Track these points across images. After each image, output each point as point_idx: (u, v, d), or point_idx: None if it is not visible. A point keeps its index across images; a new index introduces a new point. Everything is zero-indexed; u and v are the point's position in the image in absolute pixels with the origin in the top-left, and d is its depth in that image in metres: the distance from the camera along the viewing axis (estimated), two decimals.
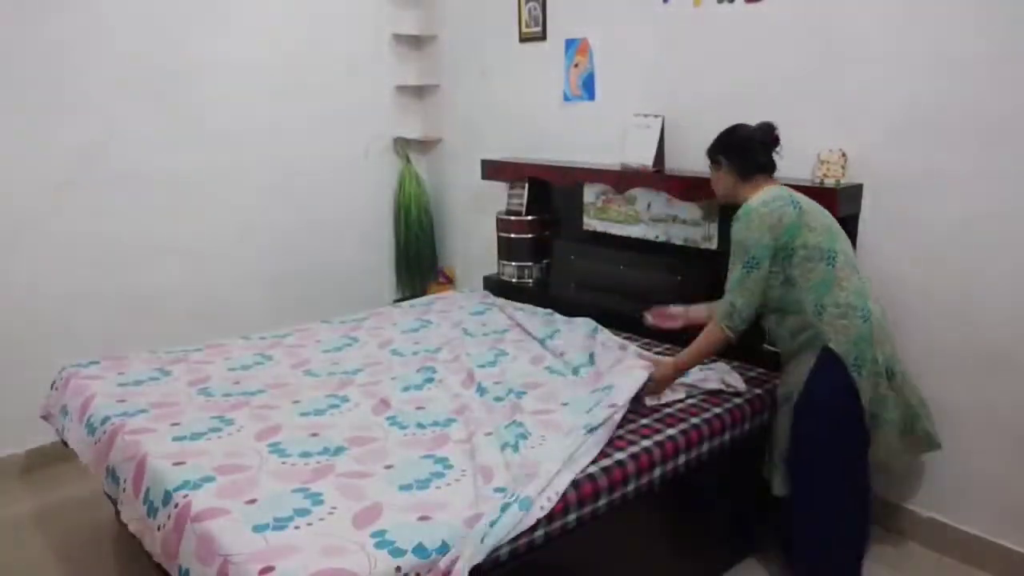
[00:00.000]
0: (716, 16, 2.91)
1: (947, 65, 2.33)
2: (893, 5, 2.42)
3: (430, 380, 2.58)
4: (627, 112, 3.24)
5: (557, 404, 2.36)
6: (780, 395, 2.33)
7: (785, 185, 2.30)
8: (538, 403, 2.36)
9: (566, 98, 3.62)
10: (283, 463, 1.96)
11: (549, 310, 3.34)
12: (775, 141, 2.31)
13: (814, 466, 2.19)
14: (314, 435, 2.13)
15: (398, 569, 1.53)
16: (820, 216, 2.22)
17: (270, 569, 1.50)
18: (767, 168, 2.31)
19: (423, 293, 4.40)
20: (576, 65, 3.54)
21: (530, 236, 3.70)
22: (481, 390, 2.47)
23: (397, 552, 1.56)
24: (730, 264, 2.24)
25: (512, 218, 3.71)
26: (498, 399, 2.39)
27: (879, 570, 2.46)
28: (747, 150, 2.29)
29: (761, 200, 2.20)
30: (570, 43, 3.55)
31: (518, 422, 2.19)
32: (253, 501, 1.76)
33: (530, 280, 3.74)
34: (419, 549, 1.58)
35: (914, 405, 2.25)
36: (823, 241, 2.16)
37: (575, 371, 2.62)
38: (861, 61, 2.52)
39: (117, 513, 2.76)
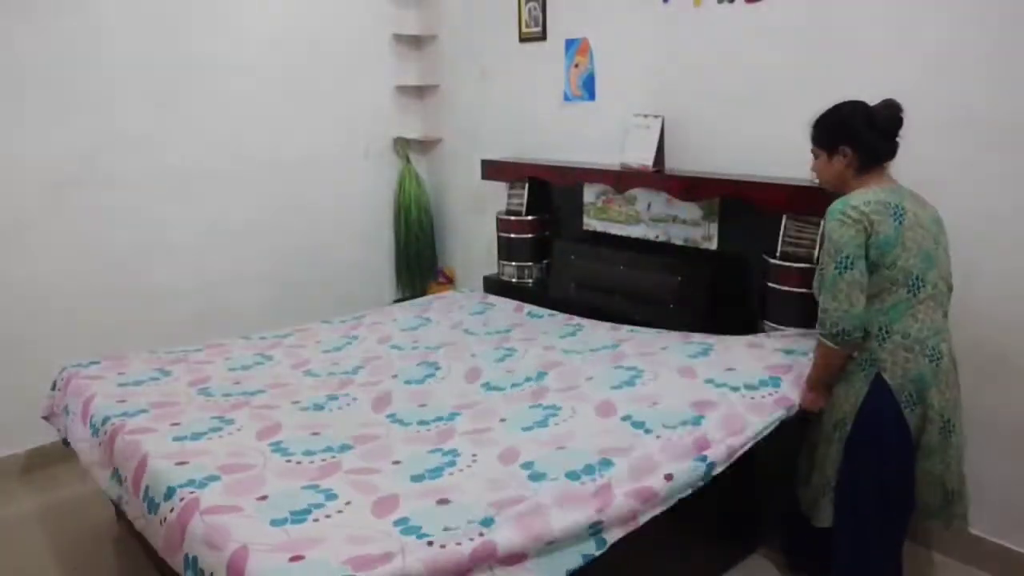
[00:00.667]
0: (716, 16, 2.91)
1: (947, 65, 2.33)
2: (892, 5, 2.42)
3: (431, 375, 2.57)
4: (627, 112, 3.24)
5: (582, 379, 2.38)
6: (825, 419, 2.14)
7: (896, 183, 2.07)
8: (560, 381, 2.39)
9: (566, 98, 3.62)
10: (287, 461, 1.96)
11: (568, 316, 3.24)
12: (900, 124, 2.02)
13: (867, 503, 2.05)
14: (315, 434, 2.13)
15: (431, 543, 1.54)
16: (923, 234, 1.97)
17: (300, 558, 1.50)
18: (886, 157, 2.05)
19: (423, 293, 4.40)
20: (576, 65, 3.54)
21: (530, 236, 3.70)
22: (489, 386, 2.46)
23: (425, 535, 1.57)
24: (823, 265, 2.02)
25: (512, 218, 3.71)
26: (515, 385, 2.40)
27: None
28: (872, 139, 2.02)
29: (863, 199, 1.97)
30: (570, 43, 3.55)
31: (544, 405, 2.22)
32: (264, 498, 1.75)
33: (530, 280, 3.74)
34: (448, 529, 1.59)
35: (950, 488, 2.06)
36: (914, 265, 1.95)
37: (593, 351, 2.63)
38: (861, 61, 2.52)
39: (117, 513, 2.78)
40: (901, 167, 2.45)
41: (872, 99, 2.49)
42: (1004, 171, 2.26)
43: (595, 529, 1.72)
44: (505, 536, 1.60)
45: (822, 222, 2.12)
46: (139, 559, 2.51)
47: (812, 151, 2.14)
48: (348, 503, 1.74)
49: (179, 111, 3.54)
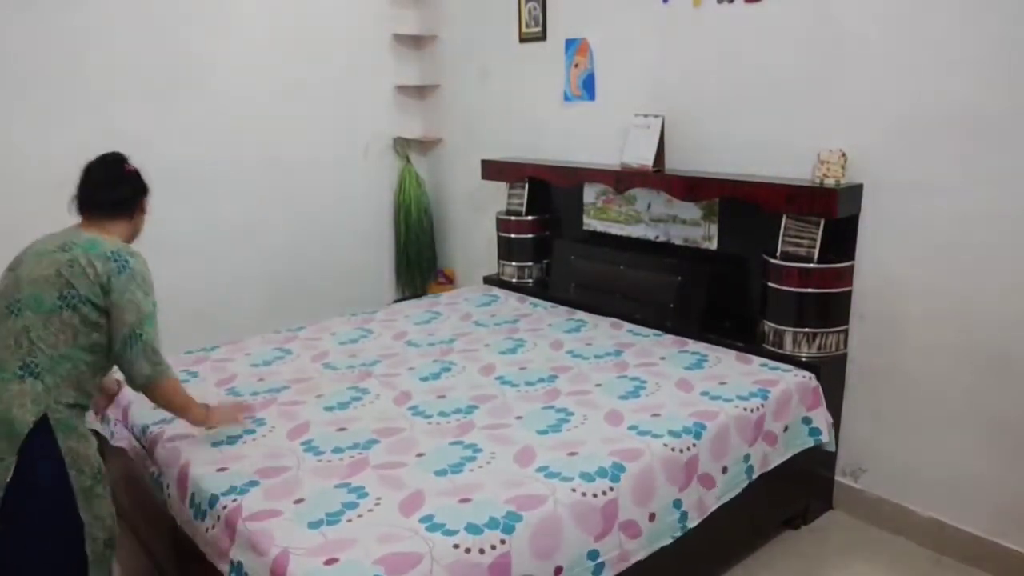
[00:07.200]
0: (716, 16, 2.91)
1: (947, 65, 2.33)
2: (893, 5, 2.42)
3: (447, 369, 2.64)
4: (627, 112, 3.24)
5: (591, 385, 2.45)
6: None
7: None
8: (571, 385, 2.46)
9: (566, 98, 3.62)
10: (319, 460, 2.02)
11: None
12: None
13: None
14: (342, 430, 2.19)
15: (456, 546, 1.61)
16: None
17: (334, 560, 1.57)
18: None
19: (423, 293, 4.40)
20: (576, 65, 3.54)
21: (530, 236, 3.71)
22: (503, 379, 2.53)
23: (449, 532, 1.65)
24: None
25: (512, 218, 3.72)
26: (529, 384, 2.48)
27: (878, 570, 2.47)
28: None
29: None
30: (570, 43, 3.55)
31: (557, 407, 2.28)
32: (301, 500, 1.81)
33: (530, 280, 3.74)
34: (471, 527, 1.67)
35: None
36: None
37: (598, 357, 2.71)
38: (861, 61, 2.52)
39: (118, 513, 2.77)
40: (904, 166, 2.46)
41: (873, 98, 2.51)
42: (1004, 171, 2.26)
43: (593, 556, 1.82)
44: (521, 554, 1.67)
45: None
46: (139, 559, 2.51)
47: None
48: (378, 501, 1.80)
49: (179, 111, 3.54)
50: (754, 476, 2.27)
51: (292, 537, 1.66)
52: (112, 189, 2.02)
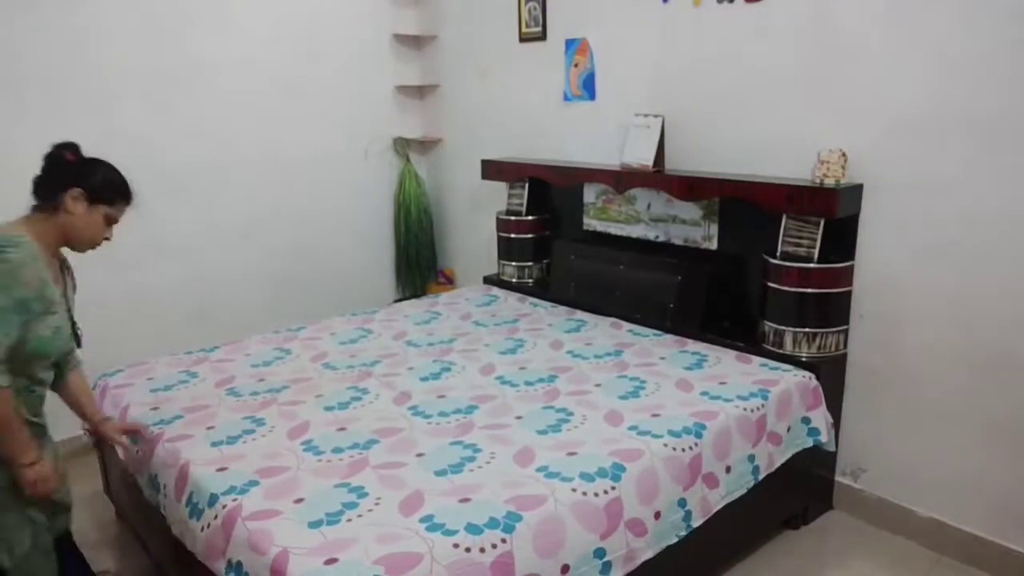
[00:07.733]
0: (716, 16, 2.91)
1: (946, 65, 2.33)
2: (893, 5, 2.42)
3: (447, 369, 2.64)
4: (627, 112, 3.24)
5: (590, 385, 2.46)
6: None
7: None
8: (571, 385, 2.46)
9: (566, 98, 3.62)
10: (319, 460, 2.02)
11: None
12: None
13: None
14: (341, 429, 2.19)
15: (456, 545, 1.62)
16: None
17: (334, 560, 1.57)
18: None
19: (423, 293, 4.41)
20: (576, 65, 3.54)
21: (530, 236, 3.71)
22: (503, 379, 2.53)
23: (449, 532, 1.65)
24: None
25: (512, 218, 3.72)
26: (528, 384, 2.48)
27: (878, 570, 2.47)
28: None
29: None
30: (570, 43, 3.55)
31: (557, 407, 2.29)
32: (301, 500, 1.82)
33: (530, 280, 3.74)
34: (471, 527, 1.67)
35: None
36: None
37: (598, 357, 2.71)
38: (861, 61, 2.52)
39: (117, 513, 2.78)
40: (904, 166, 2.46)
41: (873, 98, 2.51)
42: (1005, 170, 2.26)
43: (600, 554, 1.82)
44: (524, 553, 1.67)
45: None
46: (139, 559, 2.51)
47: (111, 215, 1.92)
48: (378, 501, 1.80)
49: (179, 111, 3.54)
50: (760, 476, 2.28)
51: (292, 537, 1.66)
52: (38, 177, 1.81)
